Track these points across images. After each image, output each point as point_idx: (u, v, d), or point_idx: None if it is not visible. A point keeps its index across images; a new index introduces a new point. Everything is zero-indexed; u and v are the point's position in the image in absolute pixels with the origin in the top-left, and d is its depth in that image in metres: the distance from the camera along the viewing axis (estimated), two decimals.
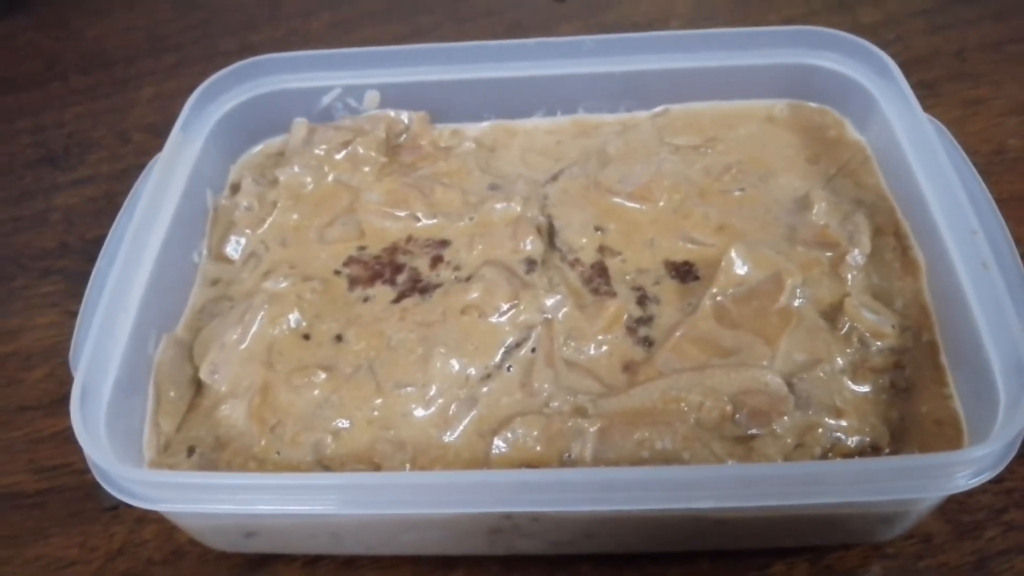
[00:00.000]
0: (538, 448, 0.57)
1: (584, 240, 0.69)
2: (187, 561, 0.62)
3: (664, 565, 0.59)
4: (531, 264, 0.67)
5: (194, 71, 1.01)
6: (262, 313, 0.64)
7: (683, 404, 0.57)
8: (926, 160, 0.64)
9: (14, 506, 0.67)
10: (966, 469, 0.48)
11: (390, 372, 0.61)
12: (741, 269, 0.63)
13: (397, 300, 0.66)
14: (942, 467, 0.48)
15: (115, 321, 0.60)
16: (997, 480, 0.48)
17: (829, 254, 0.65)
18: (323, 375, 0.61)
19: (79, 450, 0.52)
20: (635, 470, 0.53)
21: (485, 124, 0.82)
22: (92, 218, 0.89)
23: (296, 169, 0.76)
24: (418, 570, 0.61)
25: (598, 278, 0.67)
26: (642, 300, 0.65)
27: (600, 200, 0.72)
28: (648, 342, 0.62)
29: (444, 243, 0.70)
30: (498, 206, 0.71)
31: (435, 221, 0.72)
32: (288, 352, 0.63)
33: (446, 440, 0.59)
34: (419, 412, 0.60)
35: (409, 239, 0.71)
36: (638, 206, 0.71)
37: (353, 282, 0.68)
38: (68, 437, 0.54)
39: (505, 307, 0.63)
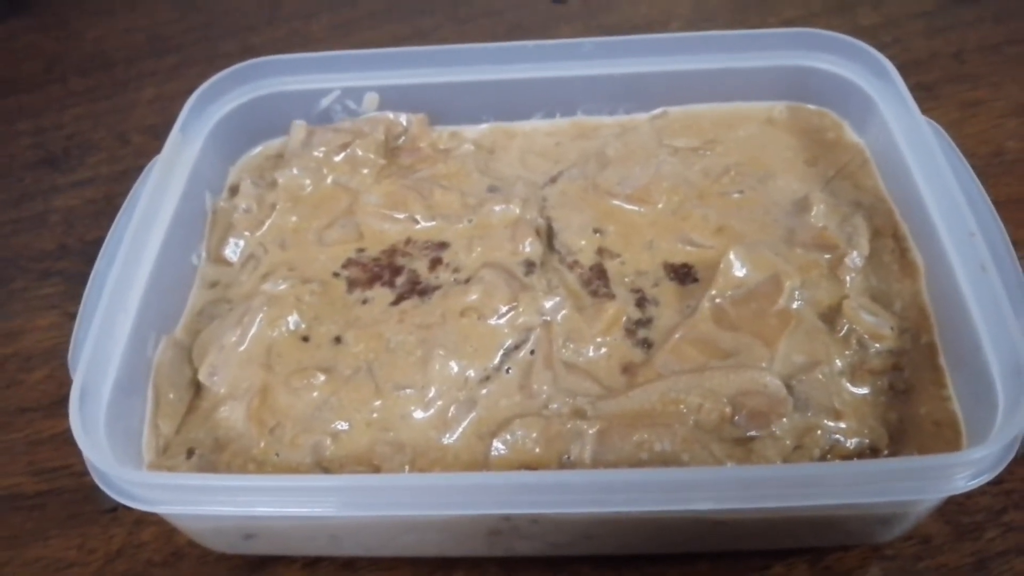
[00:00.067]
0: (537, 450, 0.57)
1: (583, 242, 0.70)
2: (186, 563, 0.62)
3: (663, 566, 0.59)
4: (530, 266, 0.67)
5: (194, 73, 1.01)
6: (261, 315, 0.64)
7: (682, 406, 0.57)
8: (925, 162, 0.65)
9: (13, 508, 0.67)
10: (965, 471, 0.48)
11: (389, 374, 0.61)
12: (740, 271, 0.63)
13: (396, 302, 0.66)
14: (941, 469, 0.48)
15: (114, 323, 0.60)
16: (996, 481, 0.48)
17: (828, 256, 0.65)
18: (322, 377, 0.61)
19: (78, 452, 0.52)
20: (634, 472, 0.53)
21: (484, 126, 0.82)
22: (91, 220, 0.89)
23: (295, 171, 0.76)
24: (417, 572, 0.61)
25: (597, 280, 0.67)
26: (641, 302, 0.65)
27: (599, 202, 0.72)
28: (647, 344, 0.62)
29: (443, 245, 0.70)
30: (497, 208, 0.71)
31: (434, 223, 0.72)
32: (287, 354, 0.63)
33: (445, 442, 0.59)
34: (418, 414, 0.60)
35: (408, 241, 0.71)
36: (637, 208, 0.71)
37: (352, 284, 0.68)
38: (67, 439, 0.54)
39: (504, 309, 0.63)
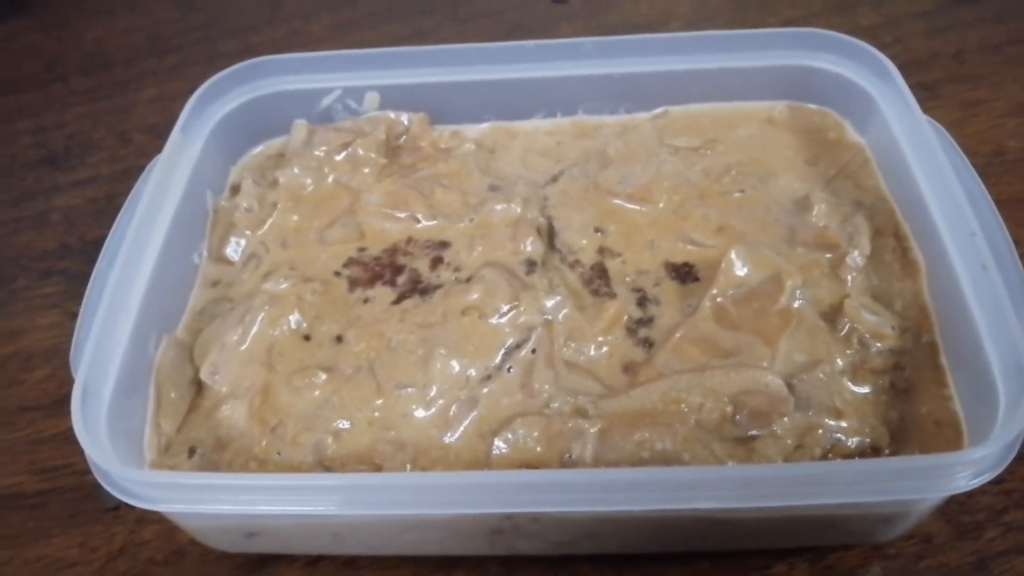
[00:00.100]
0: (538, 449, 0.57)
1: (584, 241, 0.70)
2: (188, 561, 0.62)
3: (664, 565, 0.59)
4: (531, 265, 0.67)
5: (195, 72, 1.01)
6: (262, 314, 0.64)
7: (683, 405, 0.57)
8: (926, 162, 0.65)
9: (15, 507, 0.67)
10: (966, 470, 0.48)
11: (390, 373, 0.61)
12: (741, 270, 0.63)
13: (397, 301, 0.66)
14: (942, 468, 0.49)
15: (116, 322, 0.60)
16: (997, 481, 0.49)
17: (829, 255, 0.65)
18: (324, 376, 0.61)
19: (80, 451, 0.53)
20: (635, 471, 0.53)
21: (485, 125, 0.82)
22: (92, 219, 0.89)
23: (296, 170, 0.76)
24: (419, 570, 0.61)
25: (598, 279, 0.67)
26: (642, 301, 0.65)
27: (600, 201, 0.72)
28: (648, 343, 0.62)
29: (444, 244, 0.70)
30: (498, 207, 0.71)
31: (435, 222, 0.72)
32: (289, 353, 0.63)
33: (447, 441, 0.59)
34: (420, 413, 0.60)
35: (409, 240, 0.71)
36: (638, 207, 0.71)
37: (353, 283, 0.68)
38: (69, 438, 0.54)
39: (505, 308, 0.63)
